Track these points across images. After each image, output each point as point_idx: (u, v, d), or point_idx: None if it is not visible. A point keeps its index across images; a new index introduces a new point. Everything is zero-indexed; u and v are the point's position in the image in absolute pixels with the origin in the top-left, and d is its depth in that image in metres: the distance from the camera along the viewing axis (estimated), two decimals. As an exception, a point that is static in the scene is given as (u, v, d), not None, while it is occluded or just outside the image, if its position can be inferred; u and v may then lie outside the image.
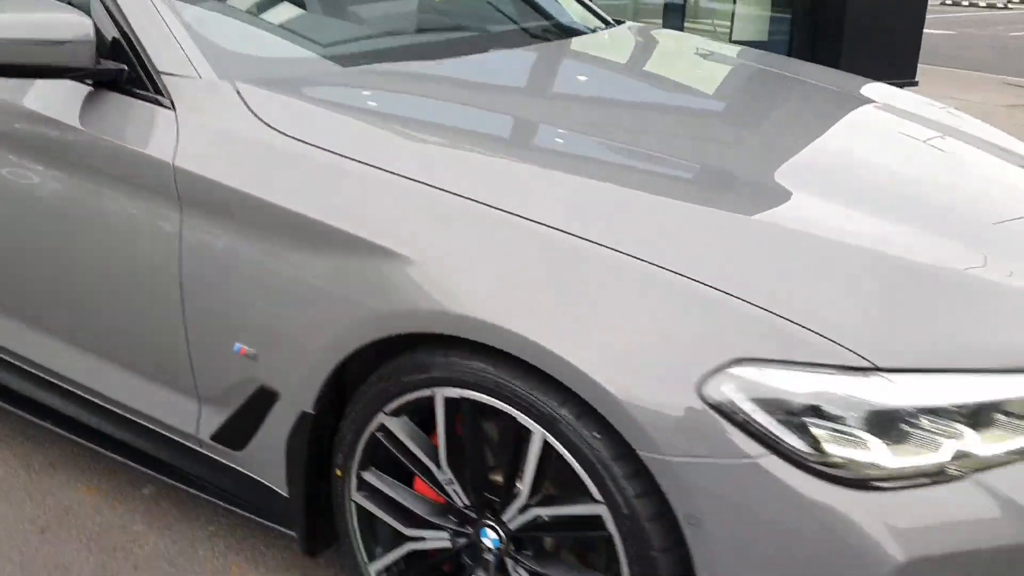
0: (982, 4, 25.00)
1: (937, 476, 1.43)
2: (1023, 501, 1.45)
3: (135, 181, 1.96)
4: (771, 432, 1.40)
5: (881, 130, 2.43)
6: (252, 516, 2.07)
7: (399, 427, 1.76)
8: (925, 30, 8.58)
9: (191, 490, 2.15)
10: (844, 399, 1.41)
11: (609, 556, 1.59)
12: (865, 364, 1.41)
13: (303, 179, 1.77)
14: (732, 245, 1.59)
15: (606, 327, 1.49)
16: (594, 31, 2.91)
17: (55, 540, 2.26)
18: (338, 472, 1.88)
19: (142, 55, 1.97)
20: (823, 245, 1.62)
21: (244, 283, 1.85)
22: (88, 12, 1.98)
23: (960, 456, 1.44)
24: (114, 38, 2.00)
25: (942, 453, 1.43)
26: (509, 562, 1.72)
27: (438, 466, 1.74)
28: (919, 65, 8.63)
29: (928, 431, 1.44)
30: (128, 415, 2.22)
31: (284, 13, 2.47)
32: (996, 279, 1.65)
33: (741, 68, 2.91)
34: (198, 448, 2.12)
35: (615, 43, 2.86)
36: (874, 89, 2.78)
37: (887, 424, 1.42)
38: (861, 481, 1.40)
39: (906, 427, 1.43)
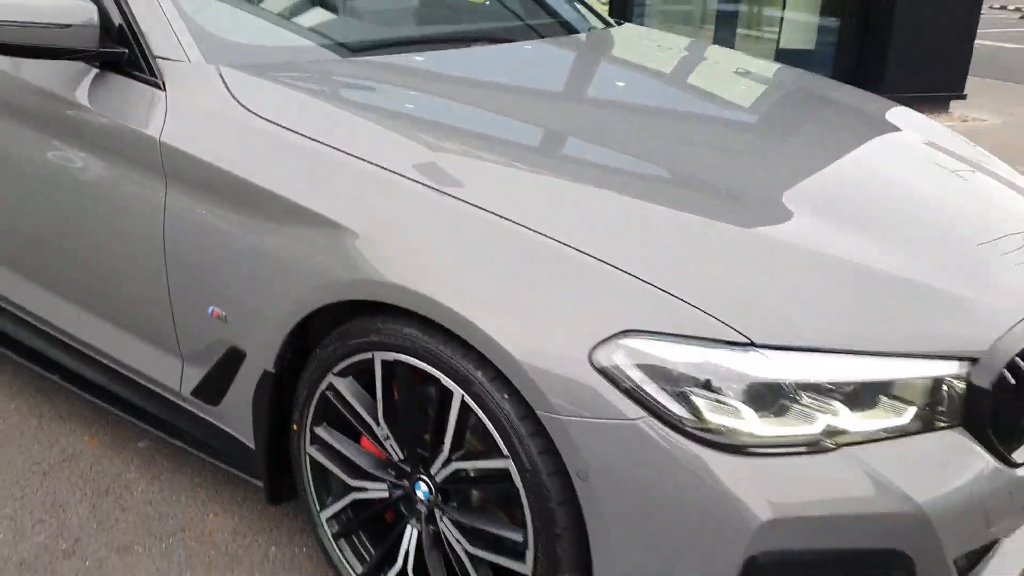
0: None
1: (810, 447, 1.55)
2: (890, 475, 1.56)
3: (129, 155, 2.16)
4: (654, 398, 1.54)
5: (825, 125, 2.53)
6: (225, 466, 2.25)
7: (345, 387, 1.93)
8: (987, 41, 8.49)
9: (176, 442, 2.34)
10: (723, 371, 1.54)
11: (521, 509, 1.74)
12: (743, 340, 1.54)
13: (269, 156, 1.95)
14: (633, 228, 1.73)
15: (515, 298, 1.64)
16: (589, 31, 3.05)
17: (54, 482, 2.48)
18: (295, 427, 2.06)
19: (141, 40, 2.17)
20: (721, 231, 1.75)
21: (217, 251, 2.03)
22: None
23: (833, 431, 1.56)
24: (119, 24, 2.21)
25: (815, 426, 1.56)
26: (437, 512, 1.88)
27: (377, 423, 1.91)
28: (970, 78, 8.56)
29: (804, 405, 1.56)
30: (124, 371, 2.43)
31: (283, 2, 2.65)
32: (892, 271, 1.76)
33: (691, 59, 3.09)
34: (181, 403, 2.32)
35: (593, 41, 2.99)
36: (821, 83, 2.89)
37: (763, 396, 1.55)
38: (735, 447, 1.53)
39: (782, 400, 1.55)
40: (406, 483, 1.93)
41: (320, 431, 2.02)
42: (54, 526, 2.32)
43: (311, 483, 2.08)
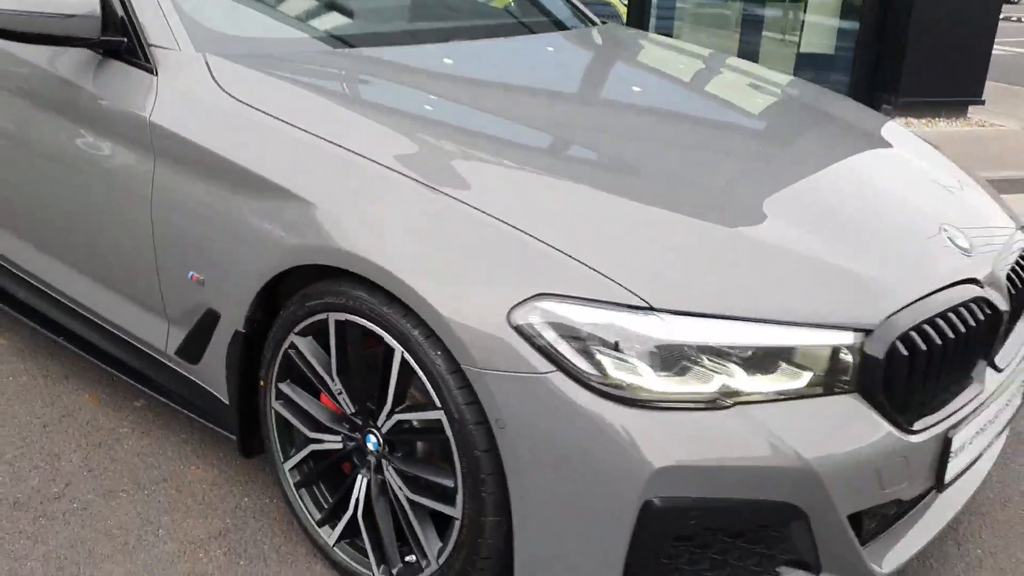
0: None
1: (706, 403, 1.71)
2: (782, 433, 1.72)
3: (125, 134, 2.36)
4: (563, 355, 1.71)
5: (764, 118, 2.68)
6: (204, 422, 2.45)
7: (305, 346, 2.12)
8: (1010, 48, 8.51)
9: (160, 397, 2.54)
10: (626, 332, 1.70)
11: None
12: (643, 304, 1.71)
13: (244, 135, 2.15)
14: (552, 202, 1.90)
15: (445, 263, 1.82)
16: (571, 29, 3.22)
17: (53, 434, 2.70)
18: (262, 383, 2.25)
19: (138, 29, 2.38)
20: (635, 207, 1.93)
21: (197, 220, 2.23)
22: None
23: (729, 391, 1.72)
24: (120, 15, 2.41)
25: (711, 385, 1.72)
26: (384, 463, 2.06)
27: (332, 379, 2.09)
28: (991, 83, 8.60)
29: (702, 366, 1.72)
30: (118, 333, 2.64)
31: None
32: (802, 251, 1.91)
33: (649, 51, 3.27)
34: (167, 362, 2.52)
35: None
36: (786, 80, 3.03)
37: (663, 356, 1.71)
38: (636, 401, 1.70)
39: (683, 361, 1.71)
40: (358, 435, 2.11)
41: (284, 387, 2.21)
42: (48, 472, 2.53)
43: (276, 436, 2.27)
